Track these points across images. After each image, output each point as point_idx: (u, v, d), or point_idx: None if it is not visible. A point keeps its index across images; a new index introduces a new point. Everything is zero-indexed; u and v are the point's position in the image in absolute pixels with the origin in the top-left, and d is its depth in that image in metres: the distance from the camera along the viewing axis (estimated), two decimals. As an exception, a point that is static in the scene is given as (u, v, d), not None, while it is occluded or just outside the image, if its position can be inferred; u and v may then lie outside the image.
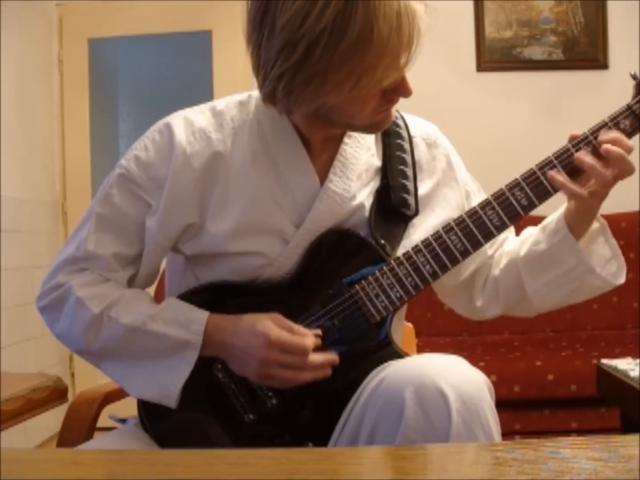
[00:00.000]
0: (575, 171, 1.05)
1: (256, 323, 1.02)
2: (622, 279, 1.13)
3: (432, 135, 1.20)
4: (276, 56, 0.95)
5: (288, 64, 0.94)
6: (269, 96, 1.00)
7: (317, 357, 1.02)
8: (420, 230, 1.11)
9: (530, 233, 1.16)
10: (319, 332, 1.04)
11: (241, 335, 1.03)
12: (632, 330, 2.97)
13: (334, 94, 0.96)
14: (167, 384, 1.04)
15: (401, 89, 1.01)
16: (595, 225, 1.11)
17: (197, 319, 1.05)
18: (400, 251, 1.08)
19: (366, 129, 1.08)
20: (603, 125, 1.05)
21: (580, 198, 1.04)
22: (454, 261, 1.06)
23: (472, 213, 1.07)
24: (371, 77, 0.95)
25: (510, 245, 1.19)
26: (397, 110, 1.20)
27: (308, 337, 1.02)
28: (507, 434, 2.41)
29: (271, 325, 1.01)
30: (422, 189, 1.15)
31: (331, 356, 1.03)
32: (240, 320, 1.04)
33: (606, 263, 1.11)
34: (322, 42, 0.92)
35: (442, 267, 1.05)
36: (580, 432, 2.45)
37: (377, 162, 1.14)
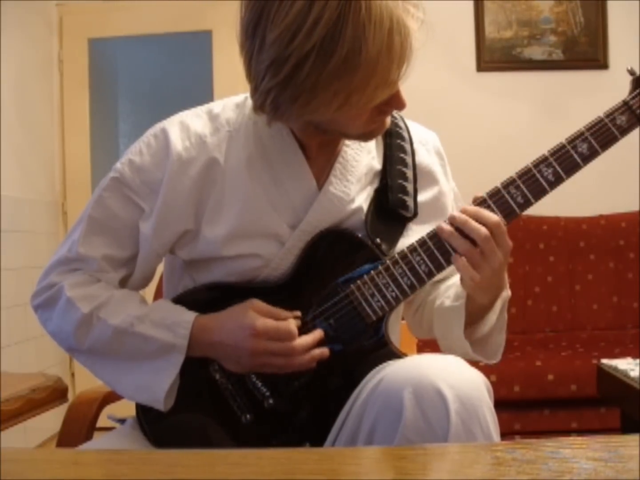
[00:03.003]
0: (570, 168, 1.04)
1: (238, 315, 1.03)
2: (497, 359, 1.15)
3: (431, 142, 1.20)
4: (265, 71, 0.95)
5: (276, 80, 0.94)
6: (259, 107, 1.00)
7: (305, 339, 1.02)
8: (418, 235, 1.10)
9: (455, 282, 1.15)
10: (299, 313, 1.05)
11: (227, 331, 1.03)
12: (632, 330, 2.97)
13: (322, 111, 0.96)
14: (154, 387, 1.04)
15: (394, 103, 1.00)
16: (504, 293, 1.09)
17: (183, 322, 1.05)
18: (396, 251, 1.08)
19: (359, 137, 1.07)
20: (599, 122, 1.04)
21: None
22: (450, 260, 1.05)
23: None
24: (360, 96, 0.94)
25: (447, 283, 1.20)
26: (397, 112, 1.20)
27: (290, 320, 1.03)
28: (507, 434, 2.42)
29: (254, 315, 1.02)
30: (424, 196, 1.15)
31: (317, 334, 1.04)
32: (222, 317, 1.05)
33: (488, 339, 1.12)
34: (310, 61, 0.90)
35: (437, 265, 1.05)
36: (580, 432, 2.45)
37: (378, 165, 1.14)
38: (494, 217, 1.01)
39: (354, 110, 0.97)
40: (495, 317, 1.10)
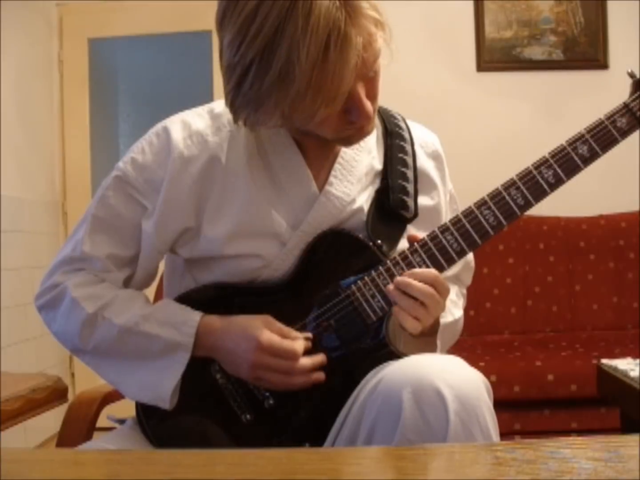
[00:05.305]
0: (570, 170, 1.04)
1: (247, 326, 1.03)
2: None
3: (431, 146, 1.20)
4: (224, 74, 0.96)
5: (230, 85, 0.95)
6: (229, 109, 1.01)
7: (306, 361, 1.02)
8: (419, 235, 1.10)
9: None
10: (310, 335, 1.05)
11: (232, 337, 1.03)
12: (632, 330, 2.97)
13: (272, 120, 0.97)
14: (160, 385, 1.04)
15: (355, 112, 0.98)
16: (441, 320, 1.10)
17: (189, 321, 1.05)
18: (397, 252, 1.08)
19: (338, 142, 1.07)
20: (599, 124, 1.04)
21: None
22: (450, 261, 1.05)
23: (468, 212, 1.05)
24: (300, 110, 0.94)
25: None
26: (398, 113, 1.20)
27: (298, 341, 1.02)
28: (507, 434, 2.42)
29: (262, 329, 1.02)
30: (425, 200, 1.15)
31: (319, 358, 1.03)
32: (232, 323, 1.04)
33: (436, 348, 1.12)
34: (252, 72, 0.91)
35: (438, 267, 1.05)
36: (580, 432, 2.45)
37: (378, 165, 1.14)
38: (432, 272, 1.02)
39: (300, 123, 0.98)
40: (438, 340, 1.11)
